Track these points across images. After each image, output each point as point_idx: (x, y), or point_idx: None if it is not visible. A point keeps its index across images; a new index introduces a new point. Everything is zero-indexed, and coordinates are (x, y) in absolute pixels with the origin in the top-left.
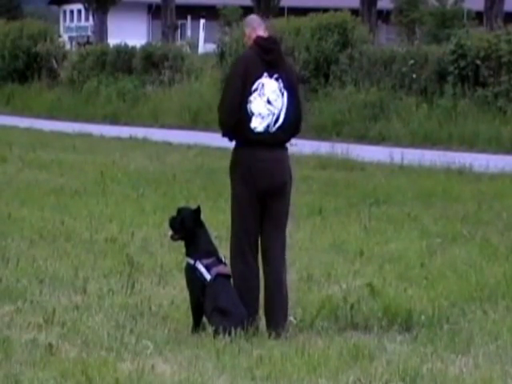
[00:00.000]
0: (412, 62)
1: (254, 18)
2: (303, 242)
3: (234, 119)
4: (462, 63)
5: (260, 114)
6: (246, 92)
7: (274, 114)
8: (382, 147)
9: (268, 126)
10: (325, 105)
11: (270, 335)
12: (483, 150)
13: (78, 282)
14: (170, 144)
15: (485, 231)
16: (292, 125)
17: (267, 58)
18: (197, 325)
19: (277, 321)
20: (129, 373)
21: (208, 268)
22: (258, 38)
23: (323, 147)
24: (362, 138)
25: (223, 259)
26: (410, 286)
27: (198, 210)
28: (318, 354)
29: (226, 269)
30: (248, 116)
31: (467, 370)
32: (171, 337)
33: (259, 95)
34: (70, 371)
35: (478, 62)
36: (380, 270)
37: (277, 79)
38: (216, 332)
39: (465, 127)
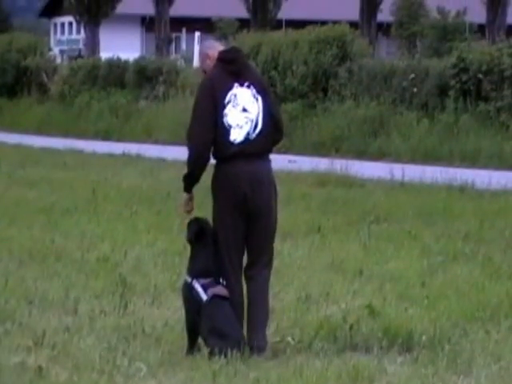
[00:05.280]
0: (412, 76)
1: (209, 41)
2: (301, 260)
3: (209, 148)
4: (464, 77)
5: (238, 125)
6: (218, 108)
7: (252, 121)
8: (382, 163)
9: (248, 134)
10: (323, 120)
11: (251, 350)
12: (485, 166)
13: (69, 303)
14: (163, 160)
15: (487, 249)
16: (271, 130)
17: (233, 68)
18: (192, 346)
19: (259, 337)
20: None
21: (204, 288)
22: (219, 53)
23: (322, 163)
24: (362, 154)
25: (221, 281)
26: (411, 305)
27: (201, 225)
28: (316, 376)
29: (224, 291)
30: (226, 129)
31: None
32: (165, 359)
33: (233, 106)
34: None
35: (480, 75)
36: (380, 289)
37: (248, 86)
38: (211, 353)
39: (466, 143)
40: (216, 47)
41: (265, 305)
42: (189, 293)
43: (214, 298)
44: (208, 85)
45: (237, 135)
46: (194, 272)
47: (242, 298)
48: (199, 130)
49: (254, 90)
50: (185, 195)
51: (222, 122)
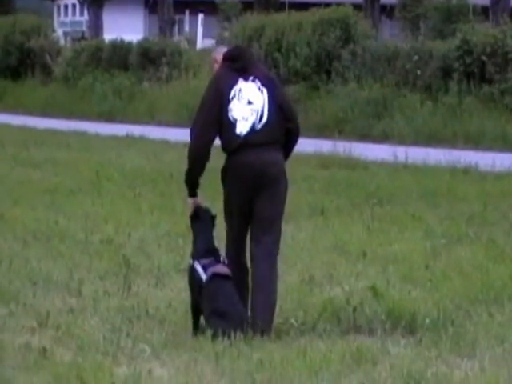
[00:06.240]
0: (416, 58)
1: (218, 47)
2: (304, 242)
3: (209, 145)
4: (468, 59)
5: (243, 118)
6: (223, 104)
7: (257, 112)
8: (385, 145)
9: (254, 125)
10: (326, 102)
11: (254, 331)
12: (489, 149)
13: (73, 284)
14: (167, 142)
15: (491, 232)
16: (279, 120)
17: (237, 65)
18: (196, 327)
19: (263, 319)
20: (125, 377)
21: (204, 268)
22: (224, 53)
23: (325, 146)
24: (365, 136)
25: (222, 259)
26: (414, 287)
27: (197, 211)
28: (320, 358)
29: (225, 269)
30: (232, 124)
31: (473, 374)
32: (169, 340)
33: (238, 100)
34: (65, 376)
35: (484, 58)
36: (383, 271)
37: (253, 80)
38: (215, 335)
39: (470, 125)
40: (222, 50)
41: (268, 288)
42: (192, 275)
43: (214, 277)
44: (213, 83)
45: (242, 127)
46: (196, 254)
47: (247, 278)
48: (202, 128)
49: (259, 83)
50: (190, 201)
51: (228, 117)
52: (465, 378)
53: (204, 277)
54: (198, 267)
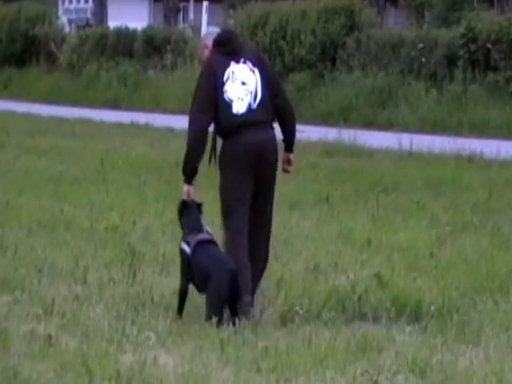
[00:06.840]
0: (421, 46)
1: (207, 31)
2: (309, 230)
3: (206, 130)
4: (473, 47)
5: (239, 98)
6: (218, 87)
7: (251, 92)
8: (390, 133)
9: (250, 105)
10: (331, 90)
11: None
12: (494, 136)
13: (78, 272)
14: (172, 130)
15: (496, 220)
16: (271, 98)
17: (227, 48)
18: (181, 311)
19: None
20: (130, 364)
21: (188, 244)
22: (213, 38)
23: (330, 134)
24: (370, 124)
25: (204, 229)
26: (419, 275)
27: (184, 202)
28: (325, 346)
29: (207, 236)
30: (228, 104)
31: (478, 362)
32: (174, 328)
33: (232, 82)
34: (70, 363)
35: (489, 45)
36: (388, 259)
37: (244, 62)
38: (220, 322)
39: (475, 113)
40: (211, 35)
41: (264, 265)
42: (181, 256)
43: (196, 246)
44: (207, 68)
45: (239, 107)
46: (184, 236)
47: (248, 264)
48: (198, 111)
49: (250, 64)
50: (185, 188)
51: (224, 98)
52: (470, 366)
53: (188, 250)
54: (184, 246)
